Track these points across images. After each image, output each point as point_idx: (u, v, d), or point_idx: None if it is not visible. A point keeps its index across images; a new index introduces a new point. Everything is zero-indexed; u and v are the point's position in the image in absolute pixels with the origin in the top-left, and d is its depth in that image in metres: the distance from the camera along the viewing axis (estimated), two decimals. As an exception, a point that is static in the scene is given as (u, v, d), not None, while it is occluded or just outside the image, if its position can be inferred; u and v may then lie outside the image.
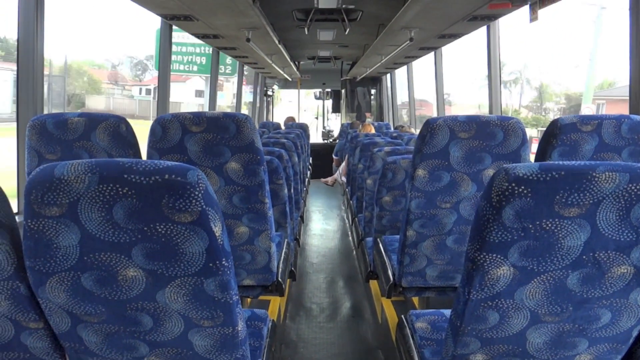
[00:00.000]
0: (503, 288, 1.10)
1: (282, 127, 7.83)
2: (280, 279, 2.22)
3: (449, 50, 4.86)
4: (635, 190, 1.00)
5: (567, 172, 1.01)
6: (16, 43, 2.77)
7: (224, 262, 1.07)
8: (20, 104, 2.76)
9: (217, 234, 1.05)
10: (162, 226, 1.03)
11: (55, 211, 1.03)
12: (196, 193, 1.02)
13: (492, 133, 1.82)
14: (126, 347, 1.19)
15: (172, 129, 1.83)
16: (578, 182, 1.01)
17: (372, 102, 10.60)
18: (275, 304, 3.26)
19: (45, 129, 1.97)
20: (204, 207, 1.02)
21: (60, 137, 1.97)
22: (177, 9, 3.68)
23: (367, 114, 10.32)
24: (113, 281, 1.09)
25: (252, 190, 1.96)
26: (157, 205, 1.02)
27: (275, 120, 11.05)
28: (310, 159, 8.20)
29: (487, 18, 3.86)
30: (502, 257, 1.06)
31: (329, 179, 8.21)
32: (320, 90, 11.77)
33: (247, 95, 12.25)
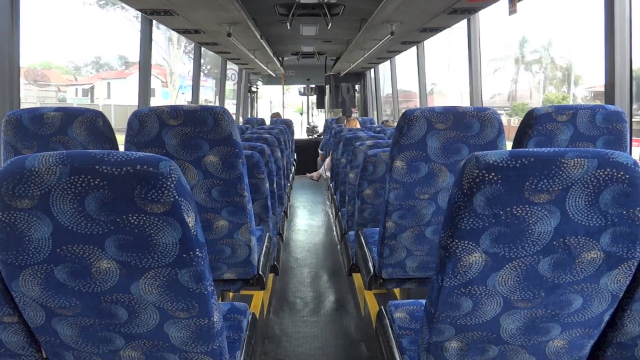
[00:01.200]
0: (475, 275, 1.11)
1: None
2: (261, 273, 2.22)
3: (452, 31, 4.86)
4: (603, 175, 1.02)
5: (537, 159, 1.02)
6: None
7: (197, 253, 1.07)
8: None
9: (190, 225, 1.04)
10: (134, 217, 1.03)
11: (26, 203, 1.02)
12: (168, 184, 1.01)
13: (468, 124, 1.84)
14: (102, 340, 1.18)
15: (149, 123, 1.82)
16: (547, 169, 1.02)
17: (356, 97, 10.63)
18: (259, 299, 3.25)
19: (21, 123, 1.95)
20: (177, 197, 1.02)
21: (36, 132, 1.95)
22: (156, 4, 3.66)
23: (353, 109, 10.35)
24: (87, 273, 1.08)
25: (230, 183, 1.95)
26: (129, 196, 1.01)
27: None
28: (295, 154, 8.19)
29: (467, 11, 3.89)
30: (473, 244, 1.08)
31: (314, 174, 8.24)
32: (305, 86, 11.77)
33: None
